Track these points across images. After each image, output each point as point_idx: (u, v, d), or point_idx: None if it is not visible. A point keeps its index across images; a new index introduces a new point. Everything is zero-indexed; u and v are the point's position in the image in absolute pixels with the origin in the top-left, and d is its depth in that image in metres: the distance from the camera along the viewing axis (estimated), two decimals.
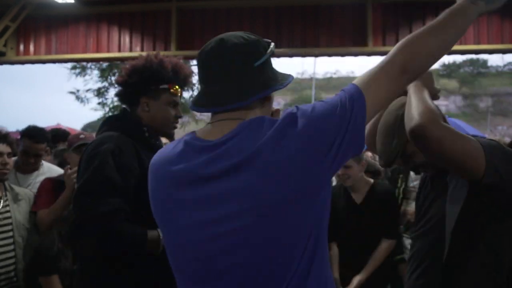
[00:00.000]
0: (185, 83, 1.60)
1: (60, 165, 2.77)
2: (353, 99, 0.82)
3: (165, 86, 1.49)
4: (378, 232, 2.14)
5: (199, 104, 0.90)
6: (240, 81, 0.86)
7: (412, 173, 2.45)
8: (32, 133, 2.44)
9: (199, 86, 0.95)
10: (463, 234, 1.12)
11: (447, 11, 0.93)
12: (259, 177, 0.77)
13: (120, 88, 1.55)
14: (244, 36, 0.90)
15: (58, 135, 3.63)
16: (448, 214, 1.17)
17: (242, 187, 0.77)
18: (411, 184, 2.44)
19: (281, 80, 0.90)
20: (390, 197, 2.23)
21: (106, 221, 1.24)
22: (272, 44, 0.93)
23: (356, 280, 2.06)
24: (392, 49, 0.88)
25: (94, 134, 2.58)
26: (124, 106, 1.58)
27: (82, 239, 1.36)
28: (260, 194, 0.77)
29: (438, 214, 1.26)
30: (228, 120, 0.86)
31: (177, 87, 1.53)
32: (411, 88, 1.11)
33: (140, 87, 1.49)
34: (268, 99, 0.91)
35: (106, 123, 1.53)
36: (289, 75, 0.94)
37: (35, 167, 2.60)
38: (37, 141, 2.44)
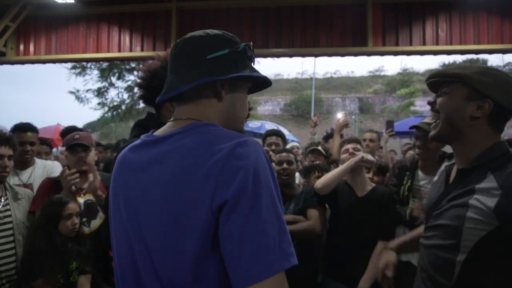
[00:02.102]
0: None
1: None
2: None
3: None
4: (373, 229, 2.18)
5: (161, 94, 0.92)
6: (189, 70, 0.87)
7: (420, 172, 2.47)
8: (20, 126, 2.72)
9: None
10: (485, 254, 1.09)
11: None
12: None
13: (143, 91, 1.53)
14: (208, 31, 0.91)
15: (71, 130, 3.66)
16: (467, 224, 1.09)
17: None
18: (420, 183, 2.44)
19: (228, 72, 0.87)
20: (389, 199, 2.31)
21: None
22: (243, 45, 0.91)
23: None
24: None
25: (90, 133, 2.60)
26: (148, 109, 1.61)
27: None
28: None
29: (458, 220, 1.12)
30: (180, 120, 0.89)
31: None
32: None
33: None
34: (219, 96, 0.88)
35: (137, 127, 1.59)
36: (255, 72, 0.92)
37: (32, 159, 2.74)
38: (25, 130, 2.69)
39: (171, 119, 0.92)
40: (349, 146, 2.45)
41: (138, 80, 1.55)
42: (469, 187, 1.13)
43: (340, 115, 3.68)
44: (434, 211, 1.23)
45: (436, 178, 1.40)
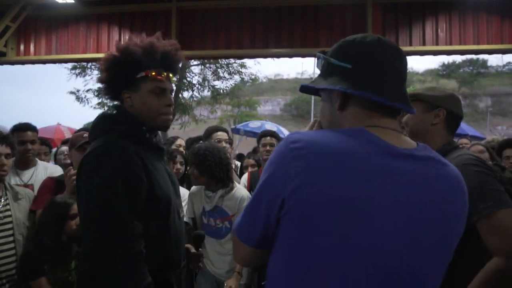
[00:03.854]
0: (167, 63, 1.40)
1: None
2: None
3: (142, 74, 1.33)
4: None
5: (390, 97, 0.83)
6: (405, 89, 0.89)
7: None
8: (19, 125, 2.74)
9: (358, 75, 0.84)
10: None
11: None
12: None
13: (102, 86, 1.40)
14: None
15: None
16: None
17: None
18: None
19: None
20: None
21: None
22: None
23: None
24: None
25: None
26: (116, 102, 1.42)
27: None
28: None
29: None
30: (395, 131, 0.85)
31: (154, 72, 1.34)
32: None
33: (117, 82, 1.35)
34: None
35: (102, 123, 1.36)
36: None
37: (33, 159, 2.75)
38: (25, 129, 2.70)
39: (389, 128, 0.84)
40: None
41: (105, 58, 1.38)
42: None
43: None
44: None
45: None
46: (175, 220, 1.37)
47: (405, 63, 0.88)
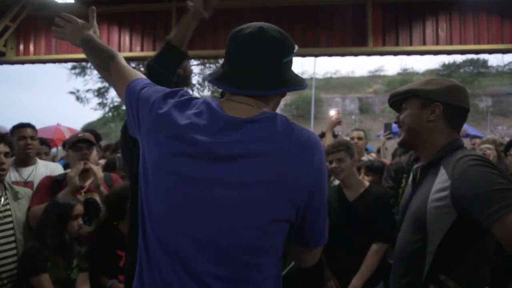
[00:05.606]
0: None
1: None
2: None
3: None
4: (369, 232, 2.13)
5: (224, 82, 0.94)
6: (268, 72, 0.91)
7: None
8: (18, 124, 2.82)
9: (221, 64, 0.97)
10: (452, 247, 1.15)
11: None
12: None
13: None
14: (281, 31, 0.95)
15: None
16: (429, 214, 1.17)
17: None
18: None
19: (300, 82, 0.96)
20: (384, 201, 2.20)
21: None
22: (297, 46, 0.99)
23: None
24: None
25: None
26: None
27: None
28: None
29: (421, 215, 1.21)
30: (249, 106, 0.92)
31: None
32: None
33: None
34: (283, 95, 0.99)
35: None
36: (305, 80, 0.99)
37: (33, 158, 2.78)
38: (24, 126, 2.80)
39: (232, 99, 0.94)
40: (332, 158, 2.22)
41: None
42: (427, 183, 1.24)
43: (332, 112, 3.57)
44: (406, 210, 1.34)
45: (409, 182, 1.52)
46: None
47: (260, 44, 0.91)
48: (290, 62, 0.97)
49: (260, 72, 0.91)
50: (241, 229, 0.84)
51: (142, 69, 1.55)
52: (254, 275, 0.87)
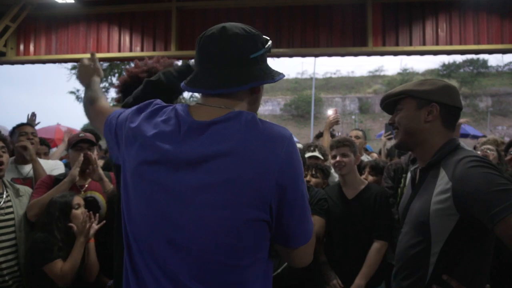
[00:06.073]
0: None
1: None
2: None
3: None
4: (368, 230, 2.14)
5: (192, 84, 0.95)
6: (235, 69, 0.91)
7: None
8: (18, 124, 2.88)
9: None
10: (455, 248, 1.16)
11: None
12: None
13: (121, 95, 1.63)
14: (245, 28, 0.95)
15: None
16: (432, 216, 1.17)
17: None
18: None
19: (271, 75, 0.96)
20: (383, 199, 2.20)
21: None
22: (270, 41, 0.99)
23: (355, 286, 2.05)
24: None
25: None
26: None
27: None
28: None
29: (424, 217, 1.21)
30: (216, 107, 0.92)
31: None
32: None
33: None
34: (257, 92, 0.98)
35: None
36: (281, 73, 0.99)
37: (32, 154, 2.74)
38: (24, 124, 2.89)
39: (203, 103, 0.95)
40: (336, 153, 2.27)
41: (119, 82, 1.59)
42: (428, 185, 1.24)
43: (330, 112, 3.54)
44: (406, 213, 1.33)
45: (407, 183, 1.51)
46: None
47: (221, 43, 0.92)
48: (262, 57, 0.96)
49: (224, 70, 0.91)
50: (213, 231, 0.84)
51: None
52: (235, 277, 0.86)
